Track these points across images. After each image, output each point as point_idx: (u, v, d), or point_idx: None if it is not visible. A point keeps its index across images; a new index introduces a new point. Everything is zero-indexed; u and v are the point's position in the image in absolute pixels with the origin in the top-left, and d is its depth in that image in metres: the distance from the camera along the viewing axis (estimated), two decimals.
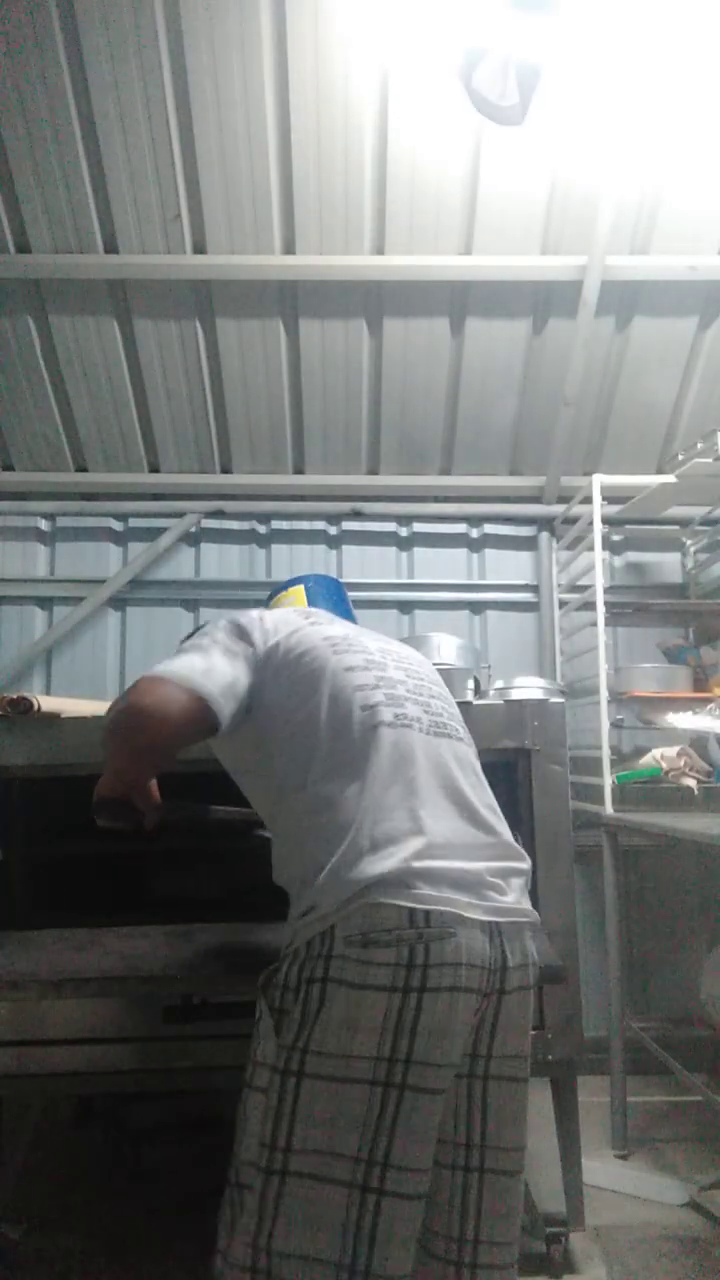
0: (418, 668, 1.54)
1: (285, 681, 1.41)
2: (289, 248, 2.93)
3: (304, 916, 1.25)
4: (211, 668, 1.38)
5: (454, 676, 2.39)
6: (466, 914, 1.22)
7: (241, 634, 1.46)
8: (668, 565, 3.60)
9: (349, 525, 3.52)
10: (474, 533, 3.56)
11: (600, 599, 2.89)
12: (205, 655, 1.41)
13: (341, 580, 2.49)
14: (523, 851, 1.39)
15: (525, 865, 1.38)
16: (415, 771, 1.31)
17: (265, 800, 1.45)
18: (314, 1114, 1.16)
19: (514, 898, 1.31)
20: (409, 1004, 1.16)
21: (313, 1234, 1.13)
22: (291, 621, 1.52)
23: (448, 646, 2.82)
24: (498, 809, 1.42)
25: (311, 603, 2.05)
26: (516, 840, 1.41)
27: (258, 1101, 1.21)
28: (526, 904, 1.34)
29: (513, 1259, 1.27)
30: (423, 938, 1.18)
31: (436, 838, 1.26)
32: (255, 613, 1.54)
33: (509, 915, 1.27)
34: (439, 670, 1.65)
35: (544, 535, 3.53)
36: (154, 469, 3.49)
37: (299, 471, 3.51)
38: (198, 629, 1.62)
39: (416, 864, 1.22)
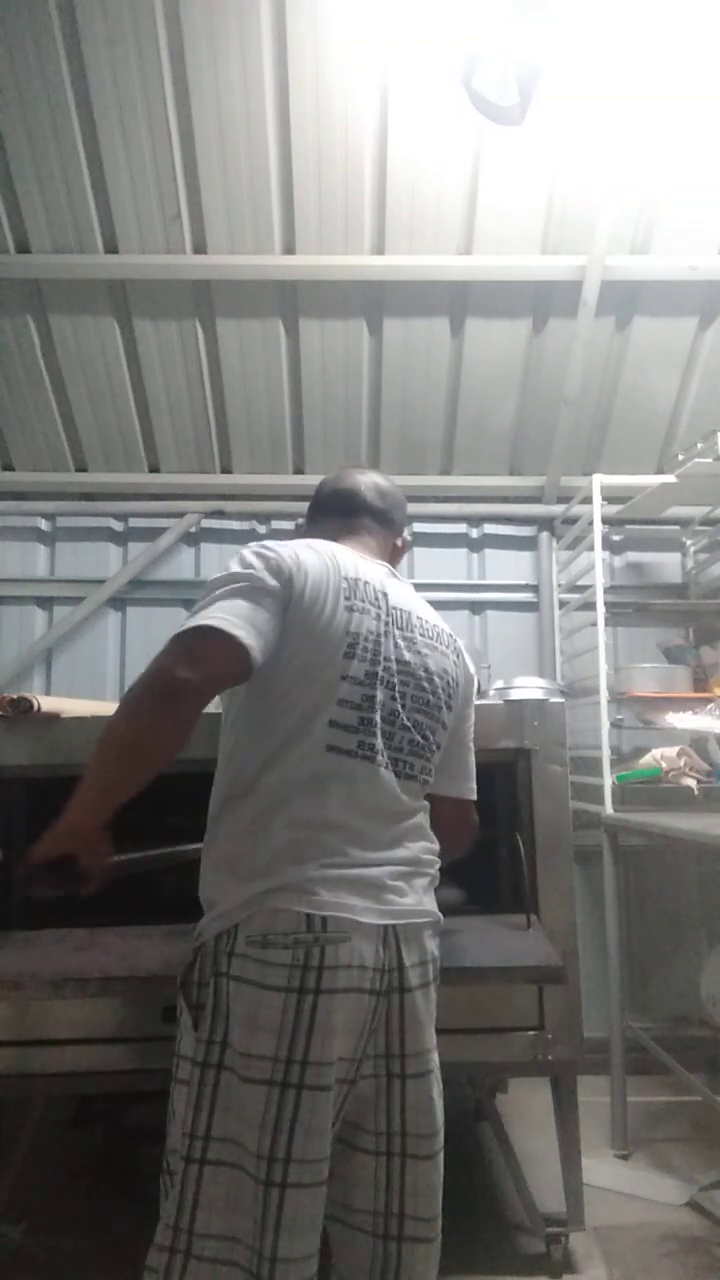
0: (417, 675, 1.43)
1: (291, 662, 1.33)
2: (289, 248, 2.93)
3: (210, 911, 1.32)
4: (247, 612, 1.28)
5: None
6: (362, 919, 1.28)
7: (279, 573, 1.33)
8: (668, 565, 3.60)
9: None
10: (474, 533, 3.56)
11: (600, 599, 2.89)
12: (232, 590, 1.30)
13: None
14: (434, 858, 1.45)
15: (431, 868, 1.43)
16: (347, 794, 1.32)
17: (217, 788, 1.40)
18: (231, 1105, 1.24)
19: (414, 899, 1.36)
20: (305, 1005, 1.22)
21: (230, 1217, 1.22)
22: (335, 589, 1.37)
23: None
24: (418, 822, 1.43)
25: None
26: (431, 846, 1.44)
27: (181, 1093, 1.28)
28: (429, 903, 1.40)
29: (435, 1234, 1.35)
30: (318, 941, 1.24)
31: (343, 849, 1.30)
32: (303, 560, 1.36)
33: (407, 917, 1.34)
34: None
35: (544, 535, 3.53)
36: (154, 469, 3.49)
37: (299, 471, 3.51)
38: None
39: (316, 873, 1.27)
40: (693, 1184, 2.38)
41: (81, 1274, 2.02)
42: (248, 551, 1.38)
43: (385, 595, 1.45)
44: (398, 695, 1.40)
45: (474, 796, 1.61)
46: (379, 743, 1.36)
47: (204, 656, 1.24)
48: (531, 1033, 2.00)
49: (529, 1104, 2.55)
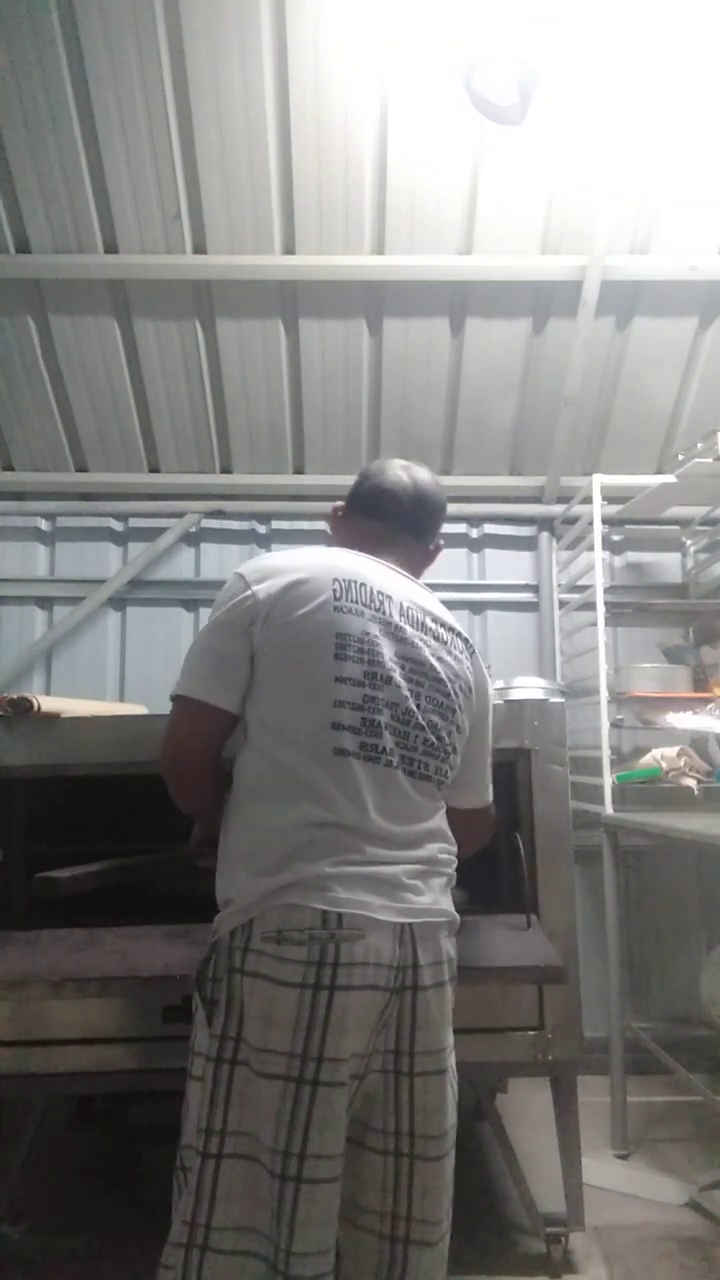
0: (431, 676, 1.43)
1: (276, 663, 1.36)
2: (289, 248, 2.93)
3: (226, 908, 1.32)
4: (211, 665, 1.38)
5: None
6: (378, 916, 1.28)
7: (239, 611, 1.38)
8: (668, 565, 3.60)
9: None
10: (474, 533, 3.57)
11: (600, 599, 2.89)
12: (202, 654, 1.40)
13: None
14: (451, 858, 1.45)
15: (448, 868, 1.43)
16: (358, 794, 1.32)
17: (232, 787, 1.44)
18: (246, 1099, 1.24)
19: (430, 898, 1.36)
20: (320, 1001, 1.23)
21: (248, 1208, 1.22)
22: (320, 593, 1.38)
23: None
24: (436, 823, 1.44)
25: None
26: (449, 847, 1.45)
27: (195, 1089, 1.28)
28: (445, 903, 1.40)
29: (440, 1236, 1.35)
30: (334, 938, 1.25)
31: (359, 847, 1.31)
32: (257, 586, 1.38)
33: (422, 916, 1.33)
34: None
35: (544, 535, 3.53)
36: (154, 469, 3.49)
37: (299, 471, 3.51)
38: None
39: (332, 869, 1.28)
40: (693, 1184, 2.38)
41: (81, 1274, 2.02)
42: (230, 580, 1.43)
43: (388, 596, 1.43)
44: (411, 695, 1.39)
45: (490, 803, 1.62)
46: (388, 743, 1.35)
47: (185, 740, 1.40)
48: (531, 1033, 2.00)
49: (529, 1104, 2.55)
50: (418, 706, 1.39)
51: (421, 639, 1.43)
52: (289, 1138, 1.20)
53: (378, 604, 1.41)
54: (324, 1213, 1.22)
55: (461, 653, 1.50)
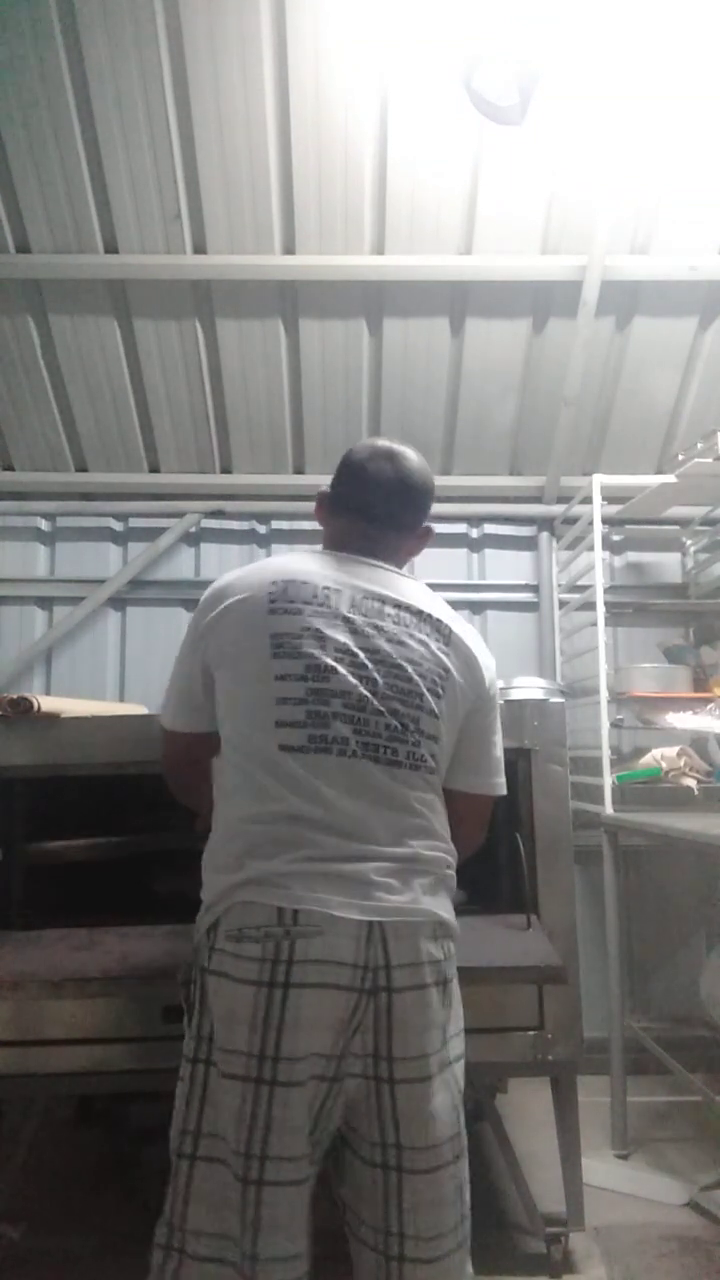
0: (389, 662, 1.39)
1: (225, 679, 1.43)
2: (289, 248, 2.93)
3: (202, 910, 1.35)
4: (179, 692, 1.52)
5: None
6: (336, 913, 1.25)
7: (194, 636, 1.49)
8: (668, 565, 3.60)
9: None
10: (474, 533, 3.56)
11: (600, 599, 2.89)
12: (172, 683, 1.54)
13: None
14: (442, 857, 1.40)
15: (437, 868, 1.38)
16: (314, 788, 1.31)
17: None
18: (213, 1100, 1.25)
19: (408, 897, 1.31)
20: (275, 999, 1.22)
21: (219, 1214, 1.21)
22: (256, 602, 1.41)
23: None
24: (424, 820, 1.39)
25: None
26: (439, 845, 1.40)
27: (179, 1090, 1.30)
28: (430, 904, 1.34)
29: (442, 1252, 1.27)
30: (289, 935, 1.24)
31: (319, 842, 1.29)
32: (209, 612, 1.46)
33: (396, 915, 1.29)
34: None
35: (544, 535, 3.53)
36: (154, 469, 3.49)
37: (299, 471, 3.50)
38: None
39: (289, 866, 1.27)
40: (693, 1184, 2.38)
41: (81, 1274, 2.02)
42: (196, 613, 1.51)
43: (335, 590, 1.42)
44: (361, 680, 1.36)
45: (492, 792, 1.55)
46: (342, 731, 1.33)
47: (173, 762, 1.62)
48: (531, 1033, 2.00)
49: (529, 1104, 2.55)
50: (373, 693, 1.36)
51: (374, 626, 1.40)
52: (249, 1139, 1.20)
53: (321, 599, 1.40)
54: (288, 1216, 1.20)
55: (430, 636, 1.45)
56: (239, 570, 1.51)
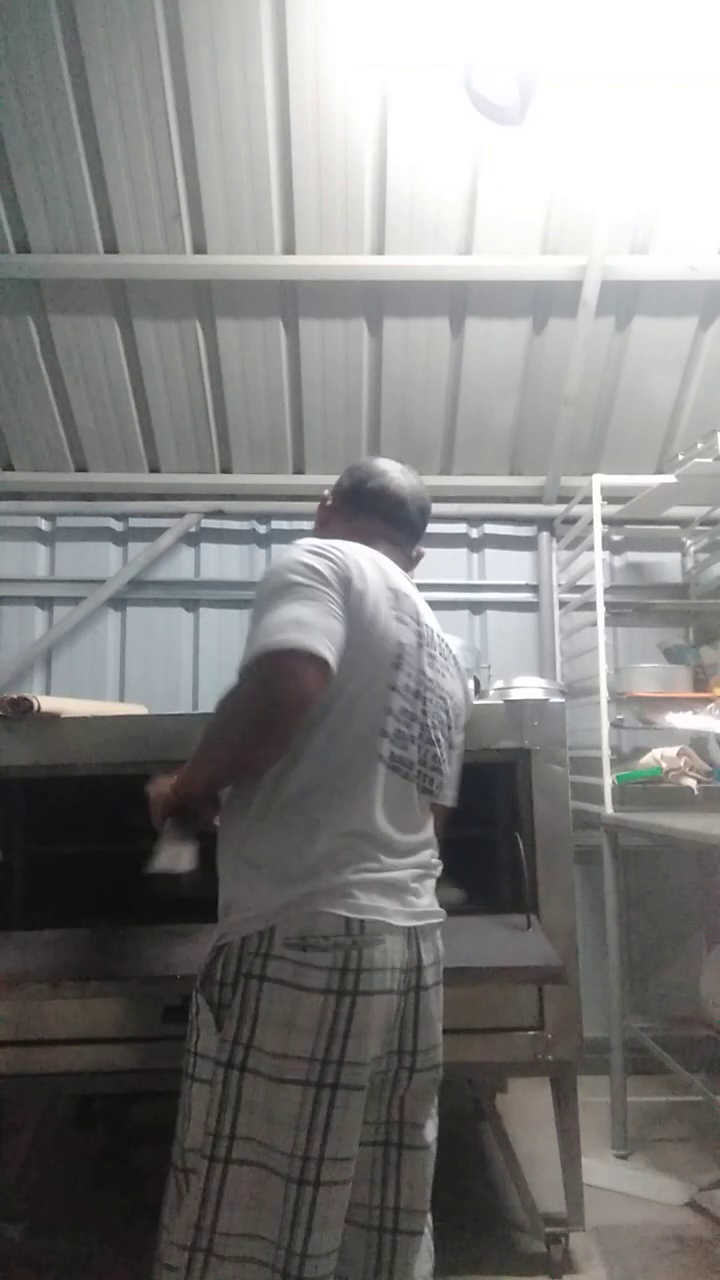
0: (437, 693, 1.43)
1: (350, 655, 1.29)
2: (289, 248, 2.93)
3: (242, 913, 1.30)
4: (314, 615, 1.25)
5: None
6: (393, 921, 1.30)
7: (340, 580, 1.31)
8: (668, 565, 3.60)
9: None
10: (474, 533, 3.57)
11: (600, 599, 2.89)
12: (299, 604, 1.26)
13: None
14: (437, 861, 1.48)
15: (437, 870, 1.47)
16: (386, 804, 1.34)
17: (244, 792, 1.37)
18: (255, 1106, 1.24)
19: (428, 900, 1.41)
20: (343, 1007, 1.24)
21: (255, 1215, 1.22)
22: (386, 598, 1.36)
23: None
24: (429, 829, 1.46)
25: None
26: (436, 849, 1.48)
27: (201, 1092, 1.27)
28: (436, 904, 1.44)
29: (424, 1226, 1.41)
30: (357, 944, 1.26)
31: (376, 855, 1.32)
32: (363, 567, 1.34)
33: (424, 918, 1.37)
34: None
35: (544, 535, 3.53)
36: (154, 469, 3.49)
37: (299, 471, 3.50)
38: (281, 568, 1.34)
39: (354, 876, 1.29)
40: (693, 1184, 2.38)
41: (81, 1274, 2.01)
42: (306, 554, 1.32)
43: (419, 611, 1.46)
44: (428, 711, 1.41)
45: (454, 804, 1.58)
46: (413, 756, 1.39)
47: (294, 687, 1.21)
48: (531, 1033, 2.00)
49: (529, 1104, 2.55)
50: (432, 724, 1.42)
51: (432, 655, 1.45)
52: (308, 1142, 1.21)
53: (414, 617, 1.43)
54: (338, 1215, 1.25)
55: (454, 666, 1.53)
56: (338, 543, 1.37)
